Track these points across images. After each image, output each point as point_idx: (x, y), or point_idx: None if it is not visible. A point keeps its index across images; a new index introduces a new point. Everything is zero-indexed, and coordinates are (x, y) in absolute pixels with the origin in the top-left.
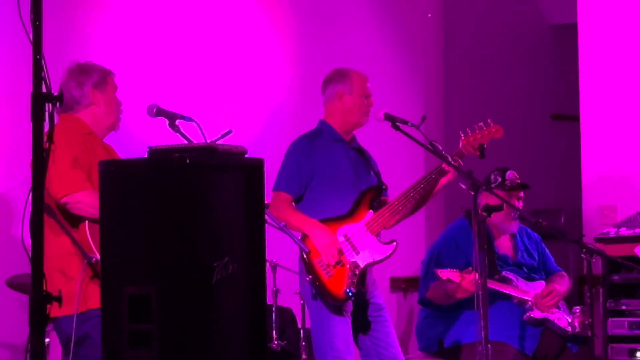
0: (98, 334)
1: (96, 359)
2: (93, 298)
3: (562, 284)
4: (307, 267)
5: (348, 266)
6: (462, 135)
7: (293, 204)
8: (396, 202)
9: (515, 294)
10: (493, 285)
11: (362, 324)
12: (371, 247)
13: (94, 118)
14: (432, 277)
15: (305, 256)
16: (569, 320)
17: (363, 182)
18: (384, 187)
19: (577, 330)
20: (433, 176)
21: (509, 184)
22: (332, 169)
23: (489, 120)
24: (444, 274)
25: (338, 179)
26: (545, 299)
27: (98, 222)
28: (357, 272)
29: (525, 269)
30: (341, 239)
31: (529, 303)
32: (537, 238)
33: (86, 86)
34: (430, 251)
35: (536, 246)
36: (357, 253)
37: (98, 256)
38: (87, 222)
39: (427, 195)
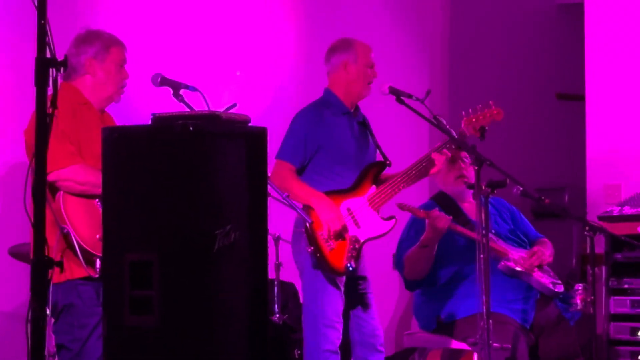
0: (80, 302)
1: (80, 325)
2: (68, 269)
3: (546, 247)
4: (310, 238)
5: (348, 240)
6: (464, 115)
7: (296, 174)
8: (397, 179)
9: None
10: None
11: (349, 299)
12: (372, 223)
13: (89, 87)
14: (401, 257)
15: (308, 227)
16: (553, 281)
17: (366, 157)
18: (387, 163)
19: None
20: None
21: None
22: (338, 143)
23: (490, 102)
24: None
25: (342, 153)
26: (530, 259)
27: (84, 197)
28: (357, 247)
29: (502, 236)
30: (344, 212)
31: (508, 256)
32: (511, 208)
33: (84, 55)
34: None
35: (510, 215)
36: (358, 227)
37: (70, 228)
38: (62, 192)
39: (426, 172)
